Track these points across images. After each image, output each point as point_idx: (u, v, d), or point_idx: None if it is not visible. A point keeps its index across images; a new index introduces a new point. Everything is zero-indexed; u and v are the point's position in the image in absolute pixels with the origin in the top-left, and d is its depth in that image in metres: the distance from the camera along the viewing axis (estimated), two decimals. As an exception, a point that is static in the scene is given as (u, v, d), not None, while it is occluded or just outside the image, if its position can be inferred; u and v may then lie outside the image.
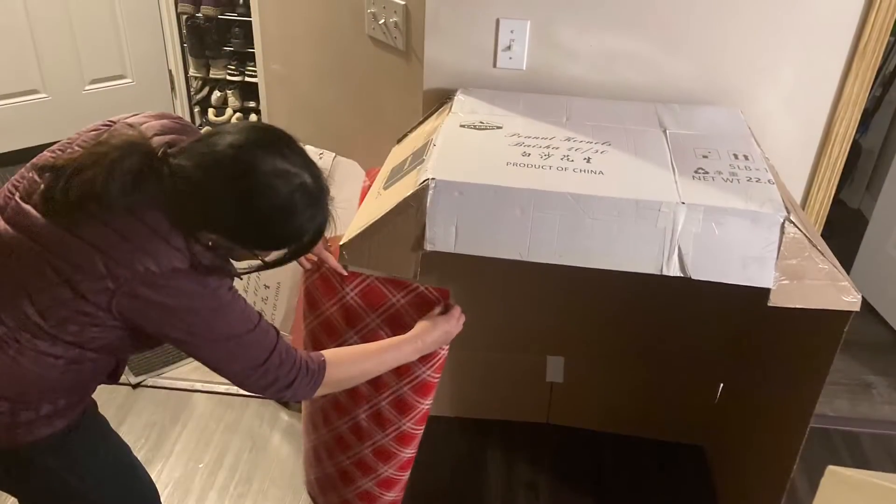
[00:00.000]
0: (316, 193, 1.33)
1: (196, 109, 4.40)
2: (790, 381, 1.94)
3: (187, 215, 1.28)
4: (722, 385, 2.46)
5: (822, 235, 1.95)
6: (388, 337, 1.75)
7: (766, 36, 1.98)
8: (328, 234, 1.42)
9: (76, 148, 1.34)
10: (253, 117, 4.21)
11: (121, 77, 4.33)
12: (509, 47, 2.01)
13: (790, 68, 2.02)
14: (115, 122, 1.39)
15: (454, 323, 1.72)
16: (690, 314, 2.30)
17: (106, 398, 2.58)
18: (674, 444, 2.57)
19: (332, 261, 1.75)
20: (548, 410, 2.62)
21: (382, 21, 2.15)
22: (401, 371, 1.77)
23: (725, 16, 1.96)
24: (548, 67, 2.05)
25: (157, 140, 1.34)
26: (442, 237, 1.62)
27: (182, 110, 4.56)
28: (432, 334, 1.68)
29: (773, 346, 2.12)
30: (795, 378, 1.90)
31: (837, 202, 2.59)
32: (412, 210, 1.60)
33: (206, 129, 1.54)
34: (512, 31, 2.00)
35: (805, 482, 2.40)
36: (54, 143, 1.39)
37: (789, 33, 1.97)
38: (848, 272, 1.85)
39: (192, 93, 4.38)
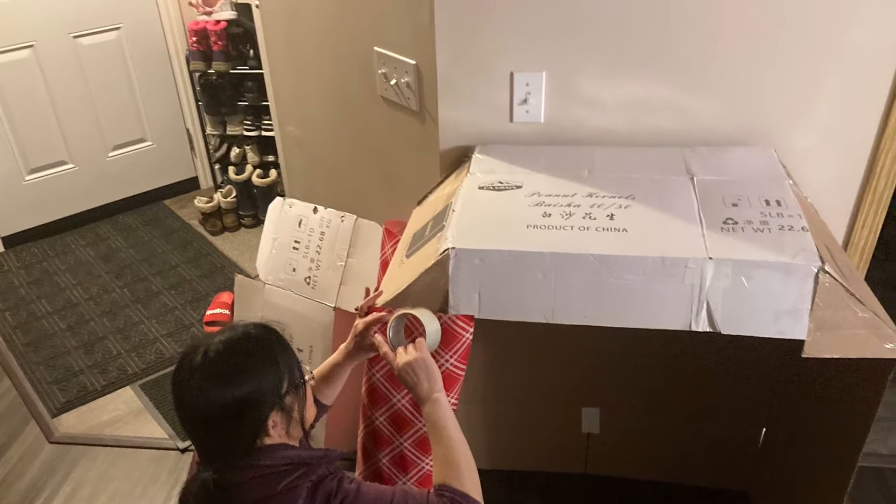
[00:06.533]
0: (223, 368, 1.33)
1: (217, 167, 4.41)
2: (836, 420, 1.87)
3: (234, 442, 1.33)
4: (765, 430, 2.38)
5: (877, 258, 1.85)
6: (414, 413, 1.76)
7: (799, 67, 1.87)
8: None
9: None
10: (273, 172, 4.20)
11: (141, 140, 4.37)
12: (525, 101, 1.97)
13: (827, 100, 1.90)
14: None
15: (413, 356, 1.53)
16: (729, 359, 2.24)
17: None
18: (717, 489, 2.50)
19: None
20: (585, 461, 2.56)
21: (394, 82, 2.12)
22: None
23: (753, 48, 1.85)
24: (567, 118, 2.00)
25: None
26: (465, 303, 1.60)
27: (203, 169, 4.58)
28: (429, 382, 1.52)
29: (816, 384, 2.04)
30: (842, 416, 1.83)
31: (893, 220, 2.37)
32: (435, 279, 1.58)
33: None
34: (527, 84, 1.96)
35: (858, 525, 2.33)
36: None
37: (825, 62, 1.86)
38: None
39: (211, 150, 4.38)
